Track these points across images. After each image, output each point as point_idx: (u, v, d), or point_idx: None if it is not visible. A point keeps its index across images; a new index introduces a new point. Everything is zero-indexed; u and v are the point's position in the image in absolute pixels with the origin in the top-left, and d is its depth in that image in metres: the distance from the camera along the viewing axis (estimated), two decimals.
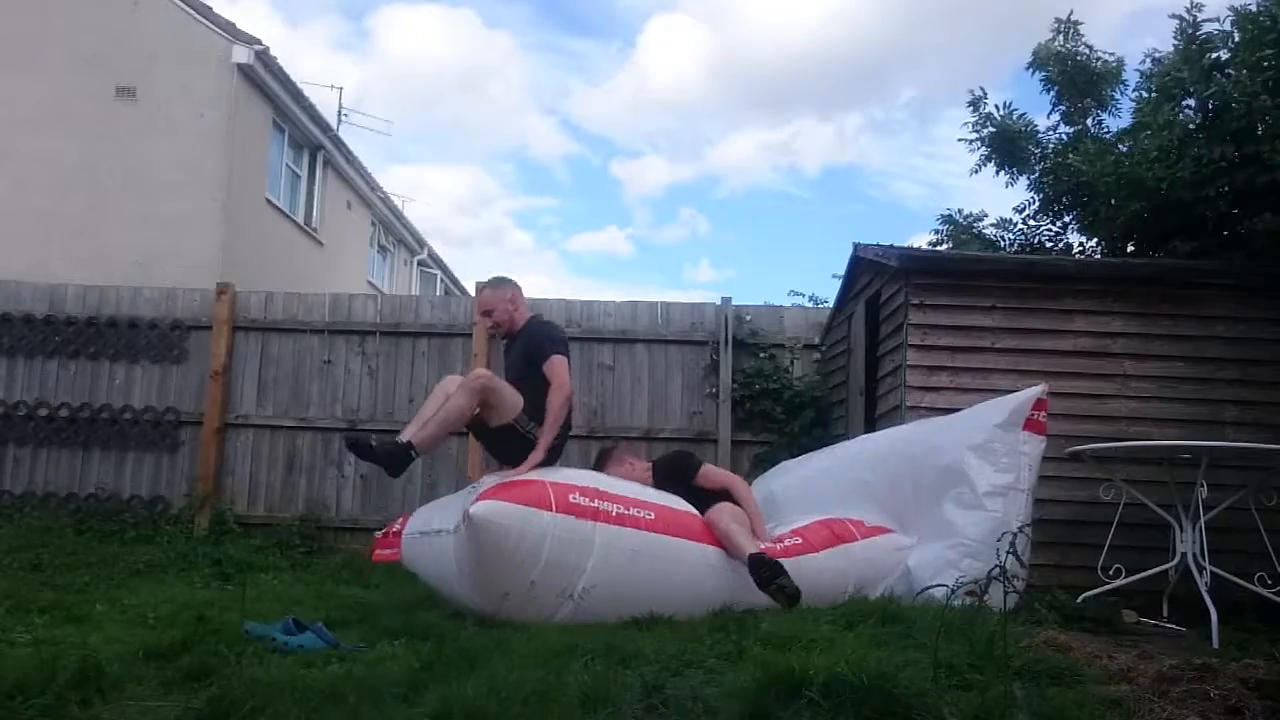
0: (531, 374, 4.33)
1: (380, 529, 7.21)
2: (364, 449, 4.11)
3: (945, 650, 3.07)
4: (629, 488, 4.32)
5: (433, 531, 4.26)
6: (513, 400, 4.25)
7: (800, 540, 4.48)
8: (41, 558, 5.75)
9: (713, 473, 4.78)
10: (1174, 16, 6.18)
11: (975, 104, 8.31)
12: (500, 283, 4.73)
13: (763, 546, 4.24)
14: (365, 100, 51.46)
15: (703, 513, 4.35)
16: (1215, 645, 3.80)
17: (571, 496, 3.95)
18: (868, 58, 68.38)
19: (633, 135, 68.68)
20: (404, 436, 4.14)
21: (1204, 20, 6.07)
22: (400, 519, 4.71)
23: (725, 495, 4.56)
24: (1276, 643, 3.70)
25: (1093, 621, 4.15)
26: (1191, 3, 6.13)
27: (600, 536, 3.93)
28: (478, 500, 3.80)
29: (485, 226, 46.97)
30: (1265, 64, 5.34)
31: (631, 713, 2.52)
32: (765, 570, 3.99)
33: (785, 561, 4.17)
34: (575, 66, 70.75)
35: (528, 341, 4.49)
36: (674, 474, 4.73)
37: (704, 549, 4.18)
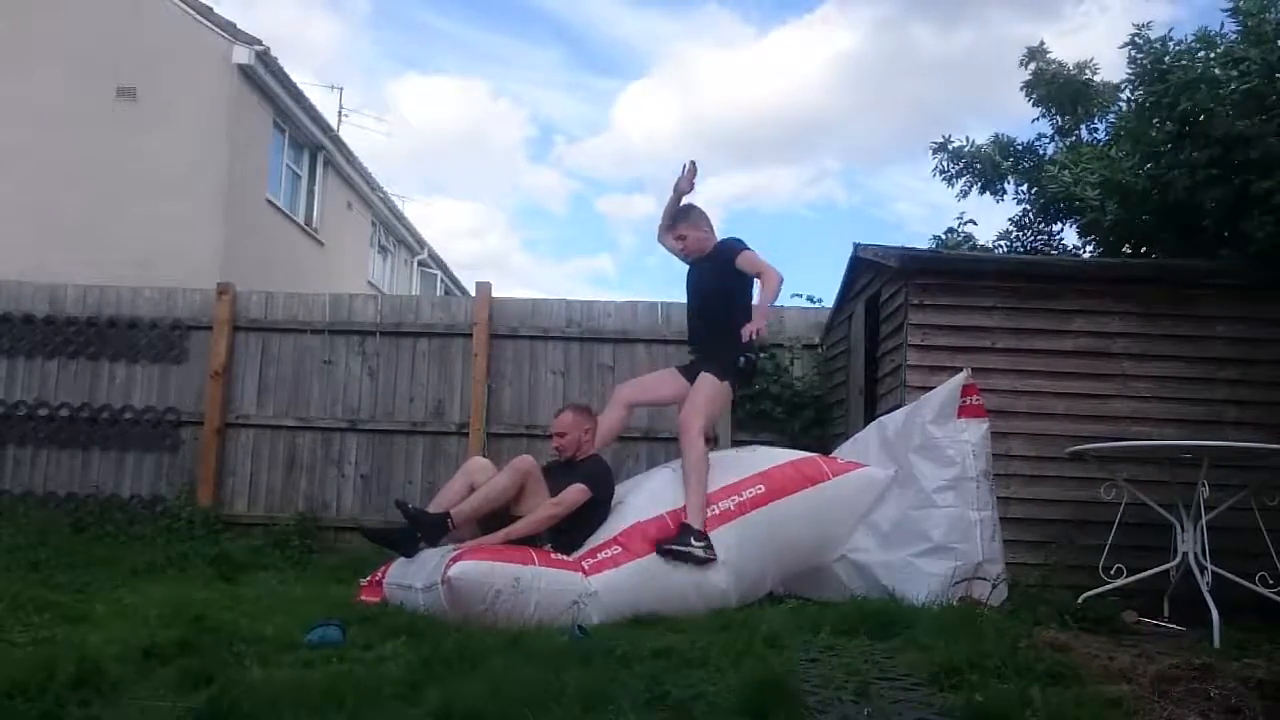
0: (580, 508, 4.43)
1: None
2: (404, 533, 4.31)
3: (945, 651, 3.07)
4: (613, 523, 4.36)
5: (406, 586, 4.27)
6: (542, 498, 4.38)
7: (763, 488, 4.43)
8: (41, 557, 5.74)
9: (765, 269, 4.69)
10: (1129, 44, 6.30)
11: (942, 146, 8.68)
12: (582, 410, 4.84)
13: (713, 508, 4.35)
14: (383, 160, 51.92)
15: None
16: (1217, 645, 3.80)
17: (555, 554, 4.04)
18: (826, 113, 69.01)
19: (618, 180, 69.61)
20: (435, 509, 4.37)
21: (1161, 38, 6.20)
22: (382, 567, 4.70)
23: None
24: (1277, 643, 3.70)
25: (1093, 621, 4.15)
26: (1138, 30, 6.27)
27: (595, 582, 3.96)
28: (453, 560, 3.83)
29: (489, 248, 47.85)
30: (1246, 71, 5.39)
31: (632, 713, 2.52)
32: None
33: (748, 516, 4.30)
34: (560, 128, 72.50)
35: (584, 475, 4.52)
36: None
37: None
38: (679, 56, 74.04)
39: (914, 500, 4.45)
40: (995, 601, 4.16)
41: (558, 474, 4.64)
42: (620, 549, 4.13)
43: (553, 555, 4.09)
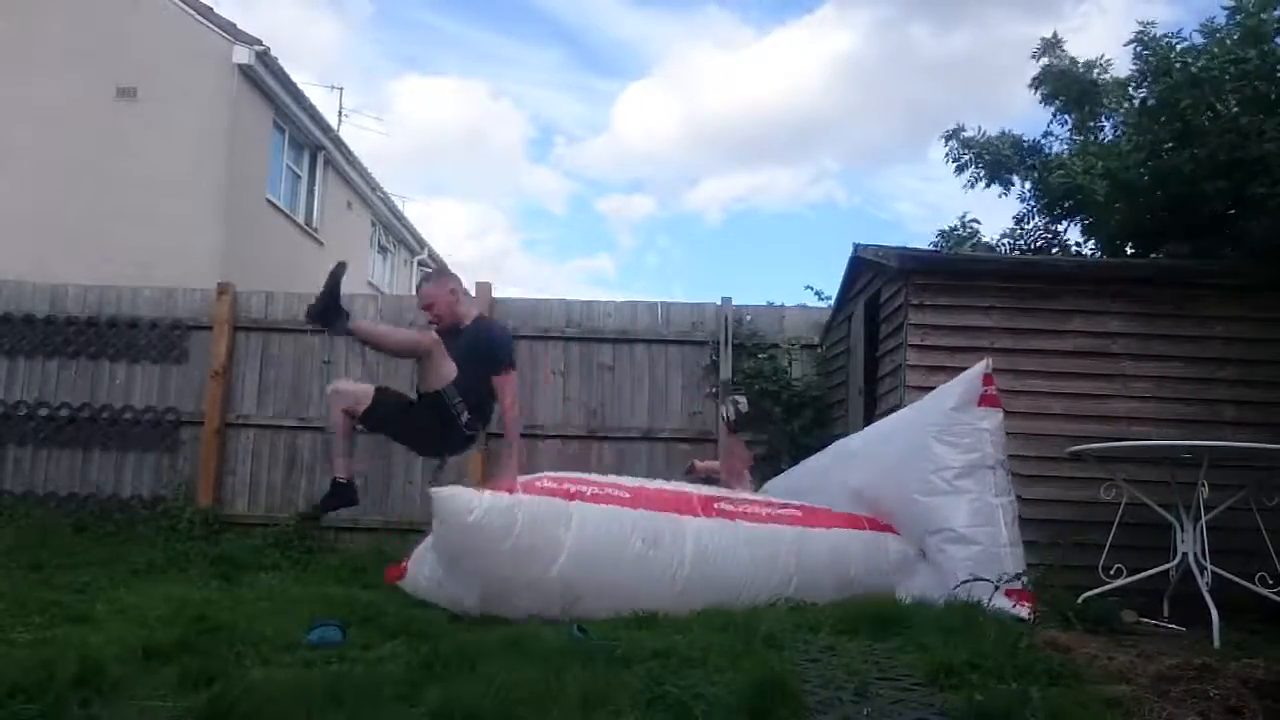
0: (474, 371, 4.30)
1: (379, 529, 7.27)
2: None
3: (945, 651, 3.07)
4: (602, 477, 4.45)
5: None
6: (447, 370, 4.25)
7: (800, 513, 4.50)
8: (41, 558, 5.75)
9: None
10: (1134, 42, 6.35)
11: (954, 134, 8.74)
12: (441, 275, 4.74)
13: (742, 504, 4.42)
14: (383, 161, 51.29)
15: None
16: (1217, 645, 3.80)
17: (540, 483, 4.09)
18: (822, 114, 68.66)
19: (618, 180, 69.44)
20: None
21: (1165, 36, 6.23)
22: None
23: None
24: (1277, 643, 3.70)
25: (1093, 621, 4.14)
26: (1143, 27, 6.33)
27: (577, 512, 4.00)
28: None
29: (489, 249, 47.88)
30: (1245, 70, 5.40)
31: (631, 713, 2.52)
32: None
33: (784, 529, 4.34)
34: (560, 129, 72.21)
35: (475, 341, 4.40)
36: None
37: (682, 520, 4.23)
38: (678, 57, 73.96)
39: (933, 485, 4.44)
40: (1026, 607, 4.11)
41: (448, 343, 4.40)
42: (628, 494, 4.22)
43: (591, 494, 4.10)
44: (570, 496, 4.05)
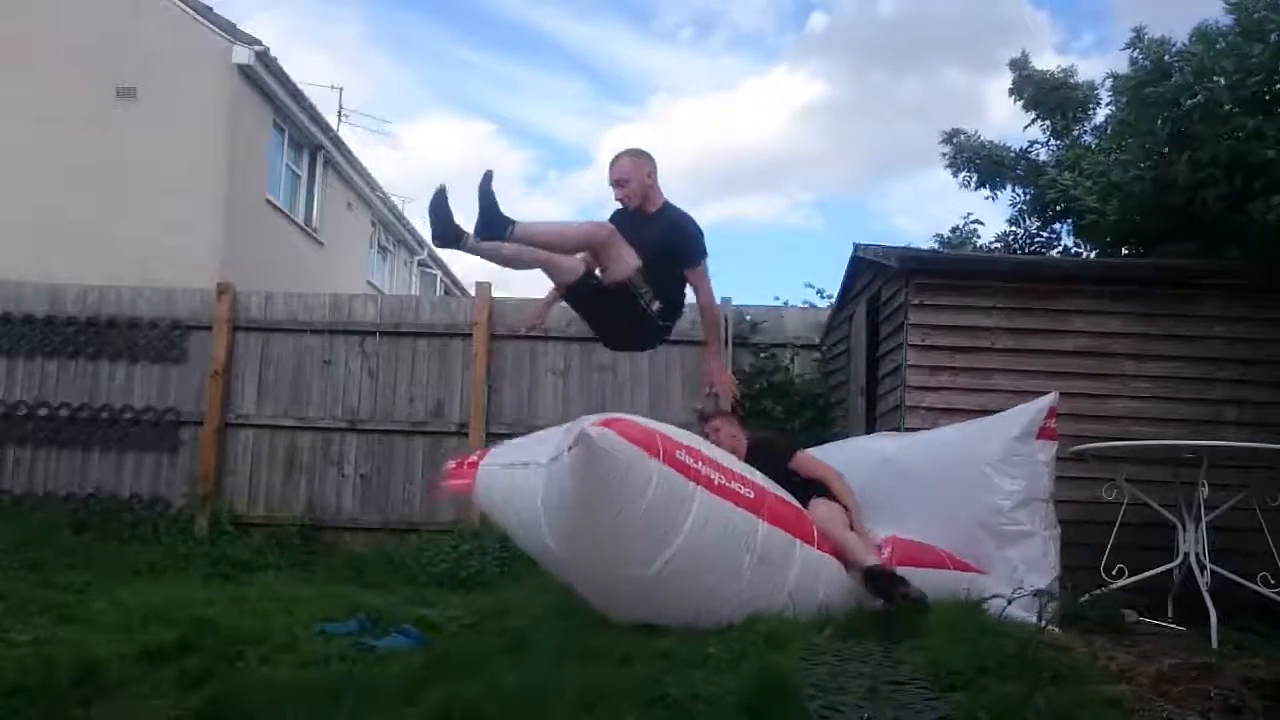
0: (664, 261, 3.97)
1: (379, 529, 7.27)
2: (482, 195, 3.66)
3: (947, 652, 3.07)
4: (731, 459, 4.09)
5: (519, 464, 3.95)
6: (630, 259, 3.85)
7: (894, 550, 4.24)
8: (41, 557, 5.75)
9: (808, 462, 4.51)
10: (1129, 46, 6.41)
11: (951, 138, 8.79)
12: (640, 154, 4.20)
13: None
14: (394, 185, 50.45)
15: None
16: (1214, 645, 3.80)
17: (678, 453, 3.69)
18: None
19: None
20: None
21: (1161, 38, 6.23)
22: (479, 451, 4.41)
23: (819, 487, 4.37)
24: (1277, 643, 3.70)
25: (1093, 621, 4.14)
26: (1138, 32, 6.35)
27: (700, 499, 3.67)
28: (595, 424, 3.47)
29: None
30: (1249, 69, 5.39)
31: (631, 713, 2.52)
32: (884, 583, 3.79)
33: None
34: (552, 163, 70.57)
35: (669, 230, 4.07)
36: (768, 456, 4.48)
37: (794, 545, 3.93)
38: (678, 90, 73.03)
39: (987, 517, 4.38)
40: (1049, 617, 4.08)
41: (631, 226, 4.03)
42: (751, 493, 3.87)
43: (719, 484, 3.72)
44: (698, 480, 3.69)
